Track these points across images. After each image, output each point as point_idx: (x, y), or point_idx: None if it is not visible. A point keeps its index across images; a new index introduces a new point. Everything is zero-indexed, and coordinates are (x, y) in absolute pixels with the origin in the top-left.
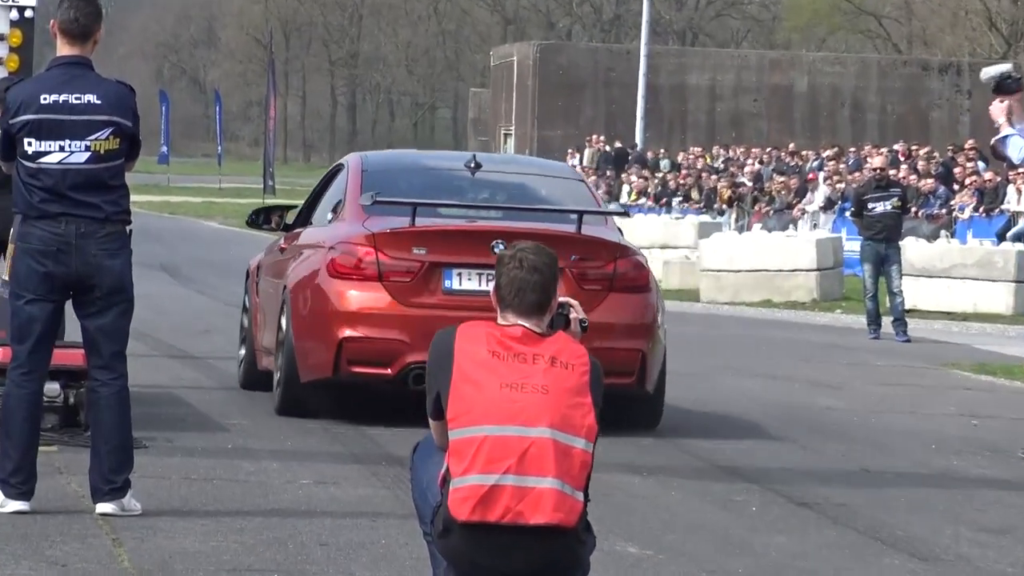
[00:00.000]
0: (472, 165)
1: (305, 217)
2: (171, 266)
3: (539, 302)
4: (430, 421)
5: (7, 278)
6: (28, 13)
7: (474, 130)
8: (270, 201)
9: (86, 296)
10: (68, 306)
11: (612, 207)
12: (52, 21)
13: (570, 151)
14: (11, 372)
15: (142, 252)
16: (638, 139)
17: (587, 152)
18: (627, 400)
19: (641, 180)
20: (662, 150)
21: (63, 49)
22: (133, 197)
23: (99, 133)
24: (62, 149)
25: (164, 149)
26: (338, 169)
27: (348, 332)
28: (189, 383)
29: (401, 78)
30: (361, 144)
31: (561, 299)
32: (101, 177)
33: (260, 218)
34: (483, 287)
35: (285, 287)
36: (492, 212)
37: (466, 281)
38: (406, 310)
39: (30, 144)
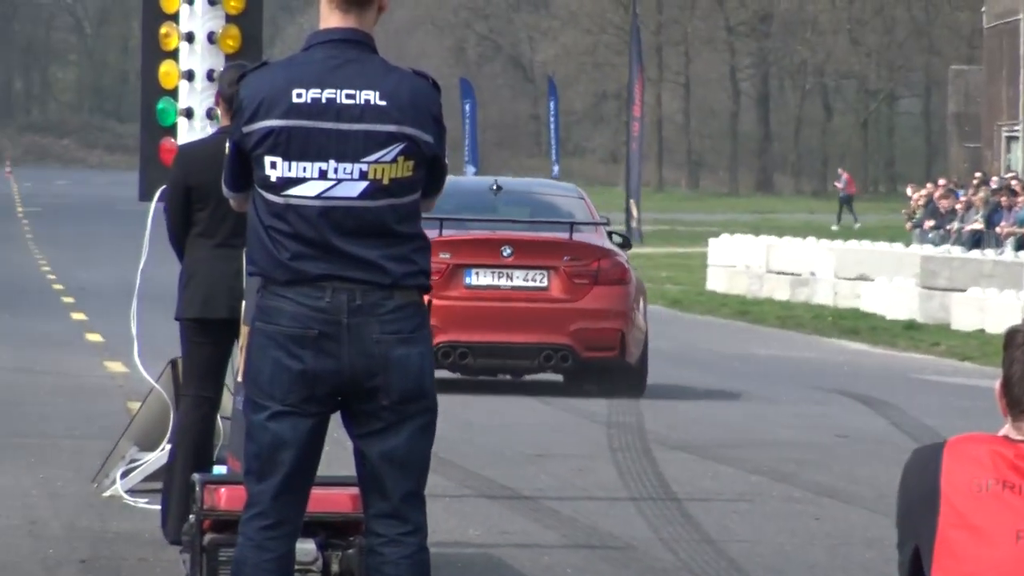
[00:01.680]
0: (495, 188)
1: None
2: None
3: None
4: None
5: (240, 379)
6: None
7: (957, 130)
8: (639, 251)
9: (365, 405)
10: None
11: (597, 218)
12: None
13: None
14: (247, 525)
15: None
16: None
17: None
18: (613, 369)
19: None
20: None
21: (330, 19)
22: None
23: (382, 152)
24: (324, 175)
25: (470, 172)
26: None
27: None
28: (517, 538)
29: (841, 52)
30: (775, 159)
31: None
32: (385, 220)
33: None
34: (495, 282)
35: None
36: (503, 224)
37: (482, 278)
38: (437, 301)
39: (274, 166)
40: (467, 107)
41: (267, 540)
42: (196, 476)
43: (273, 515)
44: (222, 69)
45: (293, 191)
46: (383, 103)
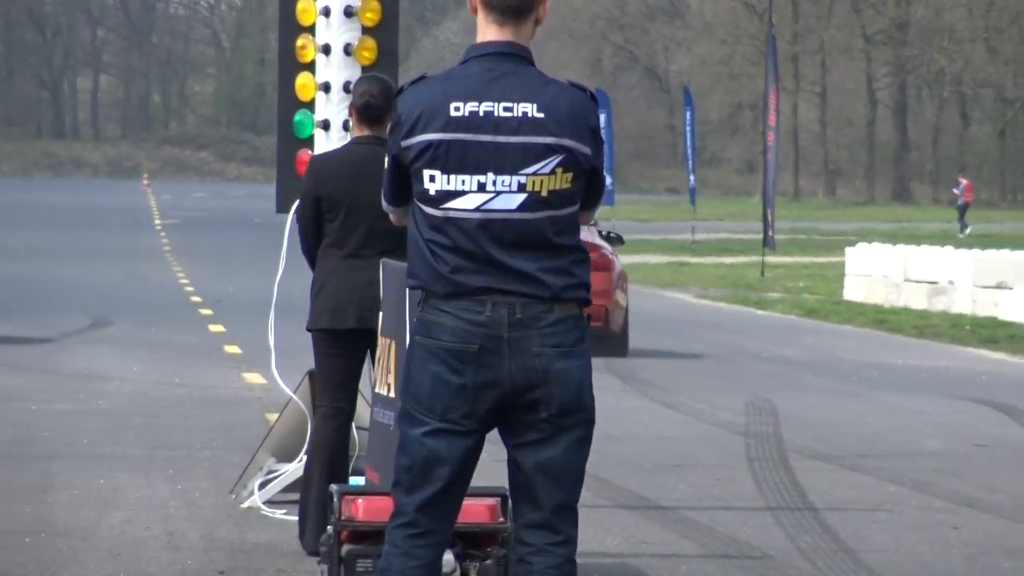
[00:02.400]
0: None
1: None
2: (621, 364)
3: None
4: None
5: (383, 391)
6: None
7: None
8: (775, 260)
9: (524, 417)
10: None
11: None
12: None
13: None
14: (393, 533)
15: None
16: None
17: None
18: (601, 336)
19: None
20: None
21: (487, 32)
22: None
23: (540, 164)
24: (482, 188)
25: (606, 181)
26: None
27: None
28: (655, 548)
29: (978, 60)
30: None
31: None
32: (544, 232)
33: None
34: None
35: None
36: None
37: None
38: None
39: (432, 180)
40: (603, 117)
41: (414, 548)
42: (333, 487)
43: (422, 525)
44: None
45: (452, 204)
46: (541, 115)
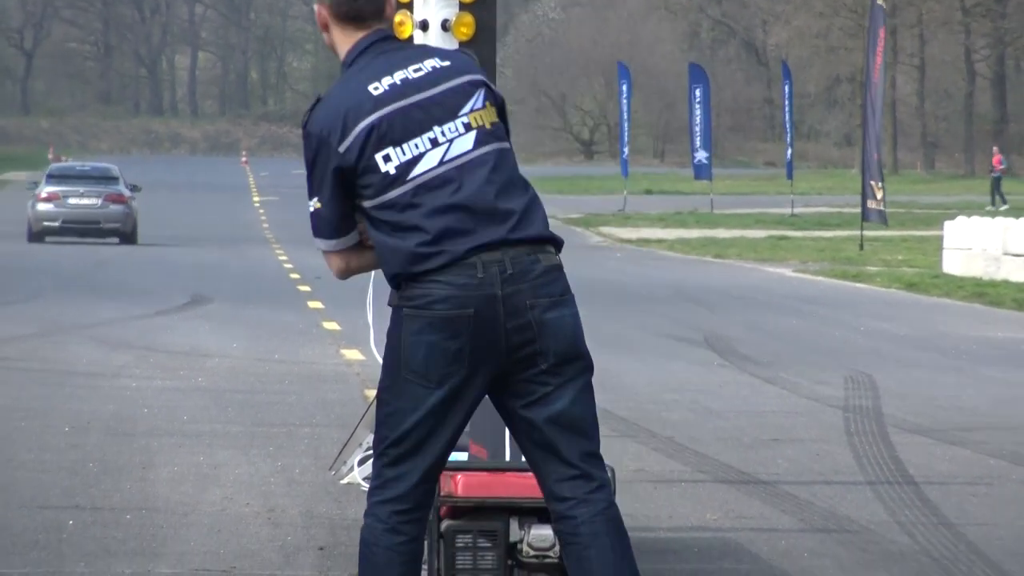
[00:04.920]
0: None
1: None
2: (720, 339)
3: None
4: None
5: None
6: None
7: None
8: (874, 234)
9: (523, 374)
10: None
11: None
12: (317, 7)
13: None
14: (381, 507)
15: (680, 316)
16: None
17: None
18: None
19: None
20: None
21: (348, 38)
22: (655, 230)
23: (472, 100)
24: (435, 143)
25: (702, 156)
26: None
27: None
28: (754, 522)
29: None
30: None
31: None
32: (505, 164)
33: None
34: None
35: None
36: None
37: None
38: None
39: (388, 159)
40: (697, 92)
41: (401, 523)
42: None
43: (411, 500)
44: None
45: (416, 170)
46: (447, 62)
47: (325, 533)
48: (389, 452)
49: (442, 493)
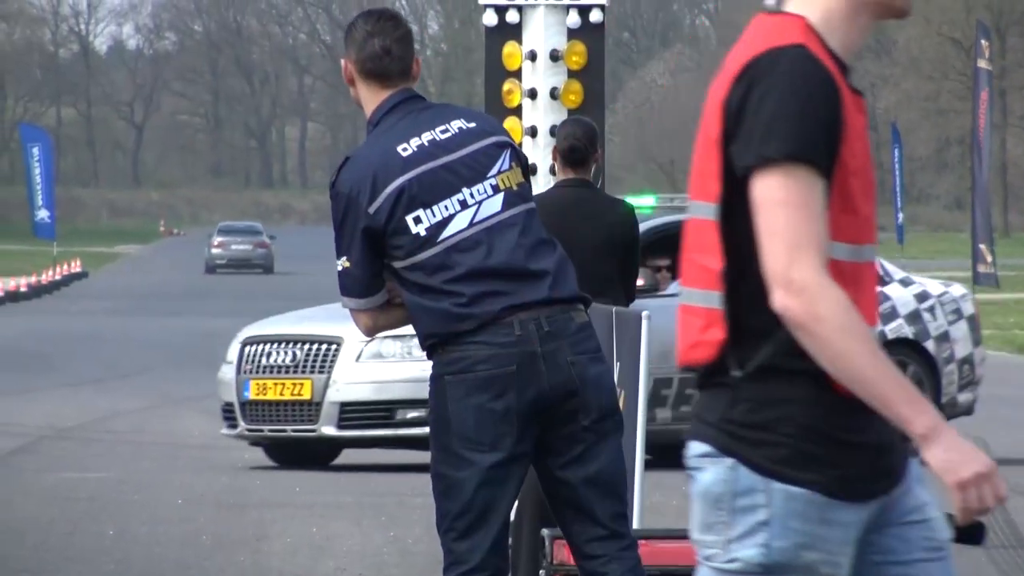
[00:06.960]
0: None
1: None
2: None
3: None
4: None
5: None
6: (596, 16)
7: None
8: (986, 297)
9: (564, 429)
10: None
11: None
12: (344, 62)
13: None
14: None
15: None
16: None
17: None
18: None
19: None
20: None
21: (375, 96)
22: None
23: (500, 162)
24: (464, 205)
25: None
26: None
27: None
28: None
29: None
30: None
31: None
32: (532, 225)
33: None
34: None
35: None
36: None
37: None
38: None
39: (419, 220)
40: None
41: None
42: (545, 531)
43: (488, 570)
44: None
45: (447, 232)
46: (472, 124)
47: None
48: (456, 526)
49: (555, 561)
